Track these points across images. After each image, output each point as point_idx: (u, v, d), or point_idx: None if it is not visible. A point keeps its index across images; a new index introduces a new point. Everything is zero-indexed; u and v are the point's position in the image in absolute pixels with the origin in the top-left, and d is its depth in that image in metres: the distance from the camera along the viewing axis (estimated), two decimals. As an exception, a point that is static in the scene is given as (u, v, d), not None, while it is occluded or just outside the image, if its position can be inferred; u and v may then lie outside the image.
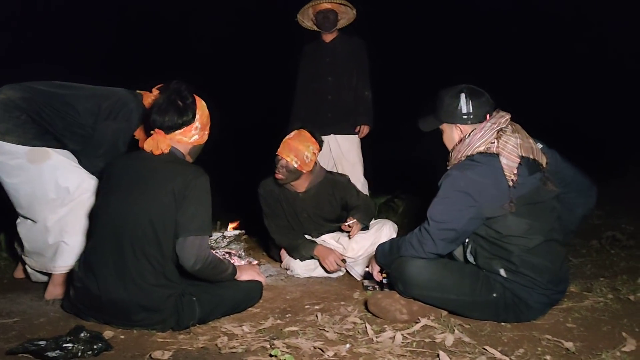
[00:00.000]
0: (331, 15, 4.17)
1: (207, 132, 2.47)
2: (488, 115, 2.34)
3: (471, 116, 2.34)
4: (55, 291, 2.67)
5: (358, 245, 3.23)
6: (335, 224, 3.40)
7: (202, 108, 2.42)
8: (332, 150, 4.21)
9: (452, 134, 2.41)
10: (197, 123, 2.38)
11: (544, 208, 2.28)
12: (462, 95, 2.36)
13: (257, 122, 6.94)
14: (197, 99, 2.41)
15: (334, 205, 3.41)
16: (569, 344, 1.98)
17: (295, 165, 3.18)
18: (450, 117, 2.39)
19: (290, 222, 3.39)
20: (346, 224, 3.24)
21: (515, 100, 3.43)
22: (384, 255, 2.51)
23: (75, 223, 2.65)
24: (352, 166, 4.18)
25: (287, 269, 3.33)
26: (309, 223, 3.38)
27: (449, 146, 2.44)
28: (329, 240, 3.32)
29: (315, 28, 4.30)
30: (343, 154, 4.23)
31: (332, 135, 4.17)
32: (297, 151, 3.18)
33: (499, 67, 7.84)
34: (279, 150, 3.24)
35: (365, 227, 3.34)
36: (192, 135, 2.38)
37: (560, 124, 6.75)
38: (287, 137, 3.28)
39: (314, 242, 3.27)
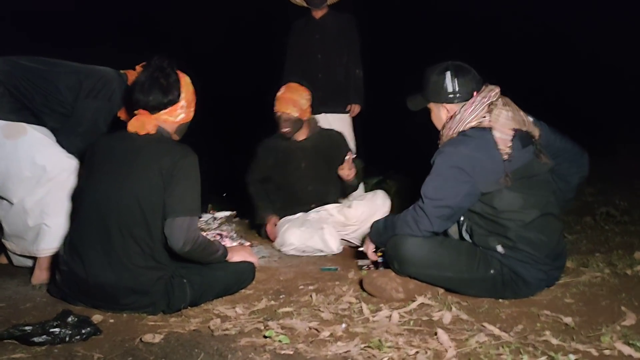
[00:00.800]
0: (321, -9, 4.08)
1: (193, 110, 2.39)
2: (475, 93, 2.29)
3: (457, 94, 2.31)
4: (42, 276, 2.60)
5: (357, 211, 3.37)
6: (332, 185, 3.56)
7: (186, 85, 2.33)
8: (323, 129, 4.16)
9: (439, 112, 2.38)
10: (182, 102, 2.30)
11: (538, 182, 2.25)
12: (448, 74, 2.32)
13: (244, 99, 6.82)
14: (181, 75, 2.32)
15: (333, 158, 3.53)
16: (568, 319, 1.95)
17: (297, 115, 3.44)
18: (437, 96, 2.35)
19: (289, 177, 3.53)
20: (347, 157, 3.38)
21: (507, 76, 3.37)
22: (379, 233, 2.47)
23: (55, 204, 2.56)
24: (343, 145, 4.13)
25: (280, 246, 3.28)
26: (308, 176, 3.52)
27: (438, 125, 2.41)
28: (331, 210, 3.45)
29: (304, 4, 4.21)
30: (334, 133, 4.18)
31: (323, 114, 4.10)
32: (293, 102, 3.42)
33: (493, 42, 7.76)
34: (276, 107, 3.46)
35: (355, 187, 3.61)
36: (179, 114, 2.31)
37: (551, 101, 6.70)
38: (279, 93, 3.48)
39: (269, 210, 3.52)
